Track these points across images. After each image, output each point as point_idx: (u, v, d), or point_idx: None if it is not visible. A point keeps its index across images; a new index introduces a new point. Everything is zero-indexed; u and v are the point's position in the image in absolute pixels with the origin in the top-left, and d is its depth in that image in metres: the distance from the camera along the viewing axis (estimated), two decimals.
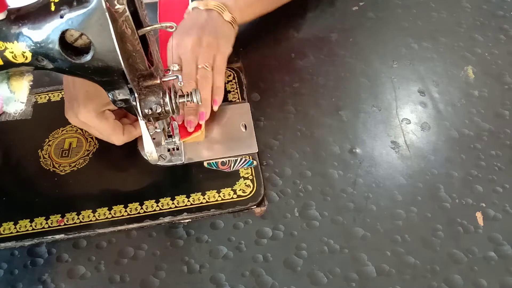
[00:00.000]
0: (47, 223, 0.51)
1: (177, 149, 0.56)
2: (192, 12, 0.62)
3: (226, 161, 0.55)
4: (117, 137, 0.54)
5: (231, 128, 0.58)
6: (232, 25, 0.61)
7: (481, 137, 0.56)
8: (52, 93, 0.63)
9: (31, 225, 0.51)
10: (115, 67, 0.41)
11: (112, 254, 0.50)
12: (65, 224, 0.51)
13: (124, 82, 0.43)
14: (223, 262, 0.49)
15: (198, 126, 0.56)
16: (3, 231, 0.51)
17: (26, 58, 0.41)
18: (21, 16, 0.40)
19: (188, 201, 0.52)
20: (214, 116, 0.59)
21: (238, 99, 0.61)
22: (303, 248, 0.49)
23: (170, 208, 0.52)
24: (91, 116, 0.52)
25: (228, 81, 0.63)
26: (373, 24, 0.69)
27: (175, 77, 0.46)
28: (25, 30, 0.40)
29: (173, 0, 0.73)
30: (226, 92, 0.62)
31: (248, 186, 0.53)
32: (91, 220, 0.51)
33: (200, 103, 0.49)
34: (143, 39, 0.44)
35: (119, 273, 0.49)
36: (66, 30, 0.39)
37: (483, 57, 0.64)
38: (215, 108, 0.56)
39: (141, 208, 0.52)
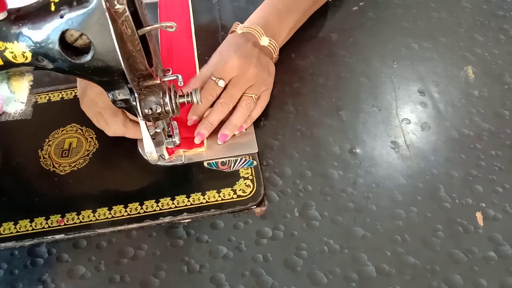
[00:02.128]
0: (47, 223, 0.51)
1: None
2: (247, 38, 0.60)
3: (226, 161, 0.55)
4: (123, 116, 0.55)
5: None
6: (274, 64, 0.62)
7: (481, 137, 0.56)
8: (52, 93, 0.63)
9: (31, 225, 0.51)
10: (115, 67, 0.41)
11: (112, 254, 0.50)
12: (65, 224, 0.51)
13: (124, 82, 0.43)
14: (223, 262, 0.49)
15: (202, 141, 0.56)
16: (3, 231, 0.51)
17: (26, 58, 0.41)
18: (21, 16, 0.40)
19: (188, 201, 0.52)
20: None
21: None
22: (303, 248, 0.49)
23: (170, 208, 0.52)
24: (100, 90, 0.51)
25: None
26: (373, 24, 0.69)
27: (175, 77, 0.46)
28: (25, 30, 0.40)
29: (174, 0, 0.73)
30: None
31: (248, 186, 0.53)
32: (91, 220, 0.51)
33: (200, 103, 0.49)
34: (143, 39, 0.44)
35: (119, 273, 0.49)
36: (66, 30, 0.39)
37: (483, 57, 0.64)
38: (237, 133, 0.57)
39: (141, 208, 0.52)
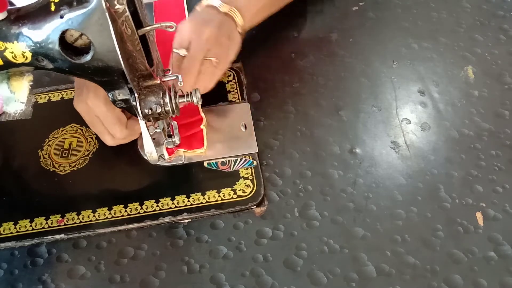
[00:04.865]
0: (47, 223, 0.51)
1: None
2: (208, 9, 0.59)
3: (226, 161, 0.55)
4: (120, 129, 0.53)
5: (231, 128, 0.58)
6: (240, 34, 0.60)
7: (481, 137, 0.56)
8: (52, 93, 0.63)
9: (31, 225, 0.51)
10: (115, 67, 0.41)
11: (112, 254, 0.50)
12: (65, 224, 0.51)
13: (124, 82, 0.43)
14: (223, 262, 0.49)
15: (201, 142, 0.56)
16: (3, 231, 0.51)
17: (26, 58, 0.41)
18: (21, 16, 0.40)
19: (188, 201, 0.52)
20: (214, 116, 0.59)
21: (238, 99, 0.61)
22: (303, 248, 0.49)
23: (170, 208, 0.52)
24: (99, 102, 0.50)
25: (228, 81, 0.63)
26: (373, 24, 0.69)
27: (175, 77, 0.46)
28: (25, 30, 0.40)
29: (169, 0, 0.73)
30: (226, 92, 0.62)
31: (248, 186, 0.53)
32: (91, 220, 0.51)
33: (200, 103, 0.49)
34: (143, 39, 0.44)
35: (119, 273, 0.49)
36: (66, 30, 0.39)
37: (483, 57, 0.64)
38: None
39: (141, 208, 0.52)
